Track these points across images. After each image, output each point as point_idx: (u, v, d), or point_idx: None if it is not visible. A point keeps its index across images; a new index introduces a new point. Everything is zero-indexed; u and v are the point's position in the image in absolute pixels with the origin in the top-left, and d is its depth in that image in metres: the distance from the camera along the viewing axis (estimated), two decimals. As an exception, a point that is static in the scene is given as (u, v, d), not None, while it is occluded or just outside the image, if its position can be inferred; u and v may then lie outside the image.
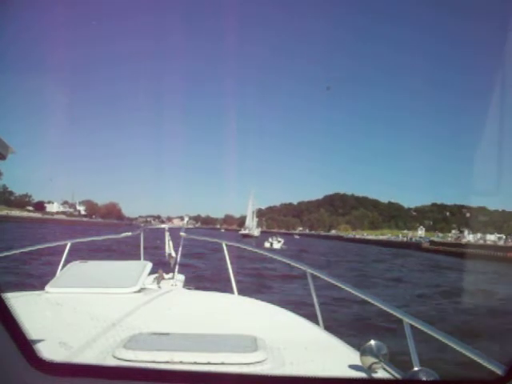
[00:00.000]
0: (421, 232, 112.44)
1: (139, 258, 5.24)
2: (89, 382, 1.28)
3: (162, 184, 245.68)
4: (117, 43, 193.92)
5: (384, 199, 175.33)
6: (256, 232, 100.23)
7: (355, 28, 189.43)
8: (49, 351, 1.48)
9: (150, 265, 4.22)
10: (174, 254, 5.07)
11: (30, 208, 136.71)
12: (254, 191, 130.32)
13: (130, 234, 5.51)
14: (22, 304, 2.97)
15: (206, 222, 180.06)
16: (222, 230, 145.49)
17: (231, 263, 4.23)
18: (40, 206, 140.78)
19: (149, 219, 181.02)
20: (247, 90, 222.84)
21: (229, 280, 4.09)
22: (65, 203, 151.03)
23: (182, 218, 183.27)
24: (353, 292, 2.85)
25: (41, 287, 3.71)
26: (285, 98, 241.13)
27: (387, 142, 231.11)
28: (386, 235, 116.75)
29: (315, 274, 3.23)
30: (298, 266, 3.64)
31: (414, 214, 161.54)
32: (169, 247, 5.14)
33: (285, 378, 1.63)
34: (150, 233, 5.99)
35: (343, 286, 2.94)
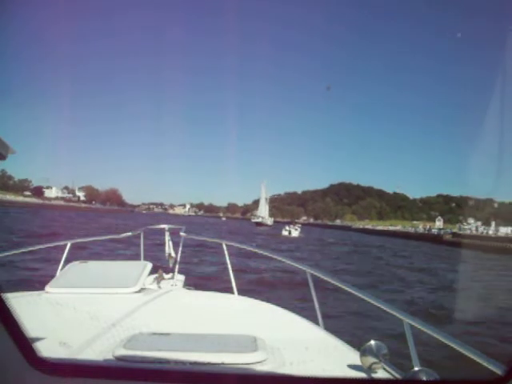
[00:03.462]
0: (439, 223, 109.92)
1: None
2: (89, 381, 1.28)
3: (164, 172, 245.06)
4: (119, 38, 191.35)
5: (389, 189, 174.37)
6: (269, 221, 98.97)
7: (356, 24, 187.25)
8: (49, 351, 1.56)
9: (150, 265, 4.21)
10: (173, 254, 5.04)
11: (28, 193, 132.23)
12: (266, 181, 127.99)
13: (130, 234, 5.46)
14: (22, 304, 3.01)
15: (209, 210, 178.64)
16: (224, 219, 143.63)
17: (231, 263, 4.23)
18: (38, 191, 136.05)
19: (151, 206, 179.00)
20: (249, 84, 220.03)
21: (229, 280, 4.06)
22: (64, 189, 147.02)
23: (184, 206, 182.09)
24: (353, 292, 2.77)
25: (41, 287, 3.63)
26: (289, 91, 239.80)
27: (391, 133, 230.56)
28: (396, 226, 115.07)
29: (315, 274, 3.17)
30: (297, 265, 3.54)
31: (420, 204, 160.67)
32: (169, 247, 5.12)
33: (285, 378, 1.65)
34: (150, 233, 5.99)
35: (343, 286, 2.86)
